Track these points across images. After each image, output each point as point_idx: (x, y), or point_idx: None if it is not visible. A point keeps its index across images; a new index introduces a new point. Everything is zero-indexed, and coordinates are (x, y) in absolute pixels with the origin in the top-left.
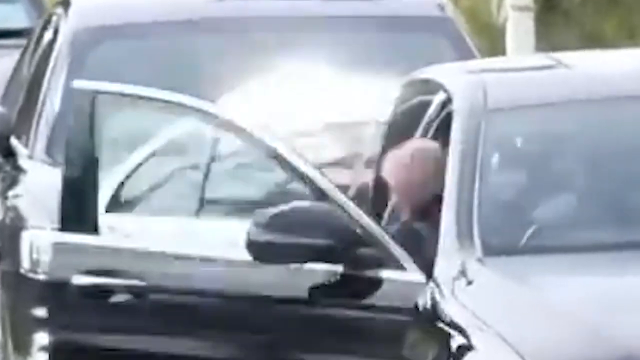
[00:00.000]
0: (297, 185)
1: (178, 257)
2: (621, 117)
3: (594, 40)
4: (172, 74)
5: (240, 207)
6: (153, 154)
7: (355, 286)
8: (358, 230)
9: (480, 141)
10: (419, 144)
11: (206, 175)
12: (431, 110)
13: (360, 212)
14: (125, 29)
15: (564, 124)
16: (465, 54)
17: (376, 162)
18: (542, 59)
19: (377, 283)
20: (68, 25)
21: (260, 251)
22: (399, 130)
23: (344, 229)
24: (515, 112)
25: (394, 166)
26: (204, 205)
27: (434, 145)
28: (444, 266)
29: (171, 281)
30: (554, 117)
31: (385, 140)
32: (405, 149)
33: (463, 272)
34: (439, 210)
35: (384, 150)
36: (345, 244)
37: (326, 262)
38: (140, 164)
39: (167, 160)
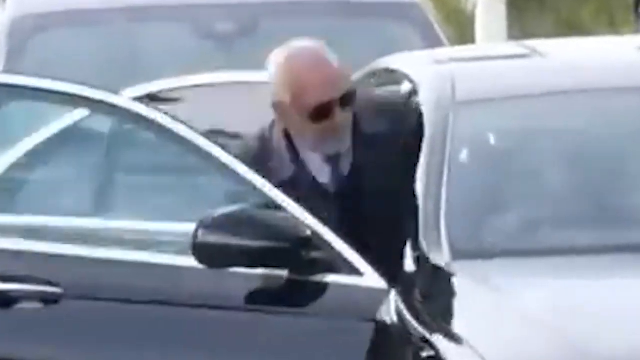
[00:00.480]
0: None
1: (90, 260)
2: (601, 111)
3: (570, 27)
4: (116, 63)
5: (147, 206)
6: (40, 146)
7: (304, 292)
8: (307, 232)
9: (448, 136)
10: (297, 43)
11: (104, 170)
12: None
13: (307, 213)
14: (66, 16)
15: (539, 118)
16: (432, 42)
17: None
18: (515, 47)
19: (329, 289)
20: (6, 13)
21: (207, 254)
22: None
23: (292, 231)
24: (486, 105)
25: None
26: (104, 203)
27: (316, 44)
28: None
29: (83, 287)
30: (528, 110)
31: None
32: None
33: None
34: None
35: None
36: (295, 246)
37: (274, 266)
38: (25, 156)
39: (57, 153)
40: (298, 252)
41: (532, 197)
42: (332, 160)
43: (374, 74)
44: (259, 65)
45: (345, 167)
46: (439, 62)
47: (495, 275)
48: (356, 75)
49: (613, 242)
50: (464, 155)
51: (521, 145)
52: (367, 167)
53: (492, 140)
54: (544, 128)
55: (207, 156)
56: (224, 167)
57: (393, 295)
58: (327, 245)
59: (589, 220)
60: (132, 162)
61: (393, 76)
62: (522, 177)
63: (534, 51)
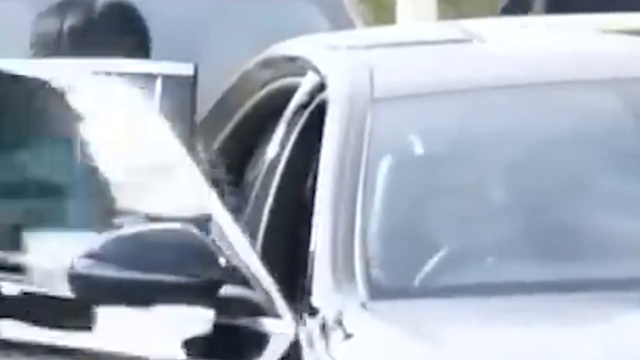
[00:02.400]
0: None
1: None
2: (555, 111)
3: None
4: None
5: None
6: None
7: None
8: (228, 263)
9: (364, 143)
10: None
11: None
12: (297, 100)
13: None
14: None
15: (478, 120)
16: (342, 23)
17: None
18: (448, 29)
19: (249, 335)
20: None
21: (85, 287)
22: (247, 126)
23: (208, 261)
24: (412, 103)
25: None
26: None
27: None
28: (315, 314)
29: None
30: (465, 109)
31: (226, 141)
32: None
33: (340, 322)
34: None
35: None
36: (208, 281)
37: (176, 303)
38: None
39: None
40: (211, 289)
41: (469, 220)
42: None
43: (268, 63)
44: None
45: None
46: (352, 47)
47: (424, 319)
48: (245, 66)
49: (570, 276)
50: (384, 166)
51: (457, 153)
52: None
53: (420, 148)
54: (485, 132)
55: None
56: None
57: (296, 341)
58: (250, 281)
59: (542, 250)
60: None
61: (293, 66)
62: (457, 195)
63: (472, 35)
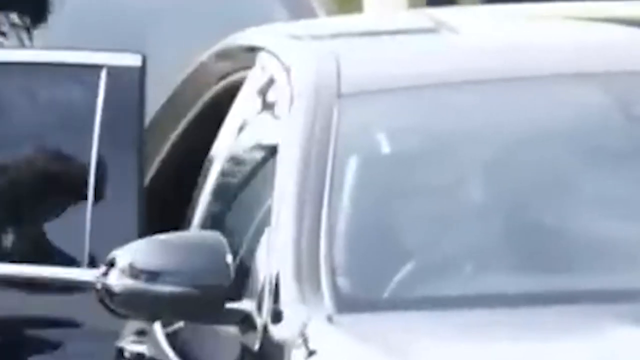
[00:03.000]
0: None
1: None
2: (534, 106)
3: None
4: None
5: None
6: None
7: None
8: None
9: (330, 142)
10: None
11: None
12: (255, 95)
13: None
14: None
15: (454, 115)
16: (302, 12)
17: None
18: (418, 18)
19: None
20: None
21: (127, 301)
22: (203, 123)
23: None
24: (381, 97)
25: None
26: None
27: None
28: (276, 327)
29: None
30: (439, 105)
31: (180, 138)
32: None
33: (304, 336)
34: None
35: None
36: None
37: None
38: None
39: None
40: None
41: (445, 226)
42: None
43: (225, 54)
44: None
45: None
46: (316, 38)
47: (395, 334)
48: (199, 58)
49: (554, 288)
50: (352, 167)
51: (431, 153)
52: None
53: (391, 146)
54: (460, 130)
55: None
56: None
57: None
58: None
59: (520, 260)
60: None
61: (253, 57)
62: (432, 198)
63: (443, 24)
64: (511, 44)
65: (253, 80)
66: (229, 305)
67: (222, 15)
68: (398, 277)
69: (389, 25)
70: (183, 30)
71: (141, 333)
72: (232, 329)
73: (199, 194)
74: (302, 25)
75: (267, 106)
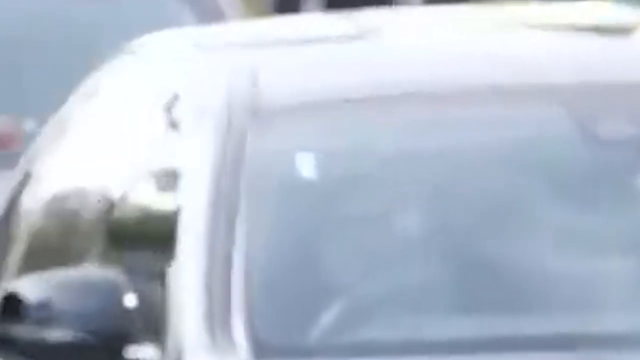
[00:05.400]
0: None
1: None
2: (477, 125)
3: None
4: None
5: None
6: None
7: None
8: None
9: (244, 166)
10: None
11: None
12: (157, 113)
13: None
14: None
15: (386, 135)
16: (211, 16)
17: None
18: (341, 24)
19: None
20: None
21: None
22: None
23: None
24: (304, 116)
25: None
26: None
27: None
28: None
29: None
30: (368, 123)
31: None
32: None
33: None
34: None
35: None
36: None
37: None
38: None
39: None
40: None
41: (377, 261)
42: None
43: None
44: None
45: None
46: (228, 45)
47: None
48: (93, 73)
49: (501, 333)
50: (270, 195)
51: (360, 177)
52: None
53: (313, 171)
54: (396, 151)
55: None
56: None
57: None
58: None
59: (462, 300)
60: None
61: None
62: (362, 230)
63: (369, 29)
64: (444, 50)
65: (152, 95)
66: (129, 353)
67: (125, 19)
68: (324, 320)
69: (307, 31)
70: (62, 41)
71: None
72: None
73: (89, 223)
74: (212, 31)
75: (171, 125)
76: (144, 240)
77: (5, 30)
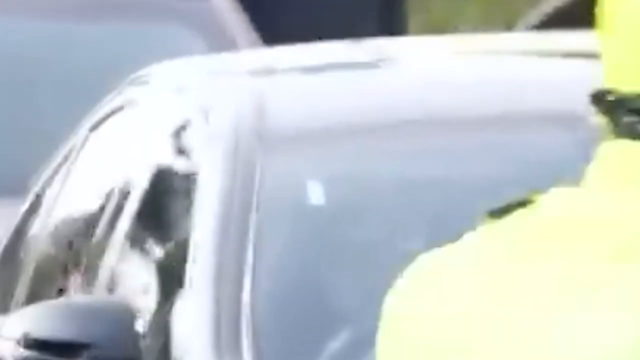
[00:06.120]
0: None
1: None
2: (486, 153)
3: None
4: None
5: None
6: None
7: None
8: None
9: (253, 193)
10: None
11: None
12: (164, 140)
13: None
14: None
15: (394, 163)
16: (222, 44)
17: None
18: (355, 50)
19: None
20: None
21: None
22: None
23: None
24: (312, 143)
25: None
26: None
27: None
28: None
29: None
30: (377, 150)
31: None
32: None
33: None
34: None
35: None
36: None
37: None
38: None
39: None
40: None
41: (383, 289)
42: None
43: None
44: None
45: None
46: (238, 73)
47: None
48: (103, 103)
49: None
50: (278, 226)
51: (371, 206)
52: None
53: (322, 199)
54: (404, 179)
55: None
56: None
57: None
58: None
59: None
60: None
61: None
62: (369, 259)
63: (383, 57)
64: (460, 80)
65: (164, 121)
66: None
67: (136, 47)
68: (331, 346)
69: (319, 58)
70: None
71: None
72: None
73: (97, 252)
74: (223, 59)
75: (181, 152)
76: (154, 265)
77: (15, 60)
